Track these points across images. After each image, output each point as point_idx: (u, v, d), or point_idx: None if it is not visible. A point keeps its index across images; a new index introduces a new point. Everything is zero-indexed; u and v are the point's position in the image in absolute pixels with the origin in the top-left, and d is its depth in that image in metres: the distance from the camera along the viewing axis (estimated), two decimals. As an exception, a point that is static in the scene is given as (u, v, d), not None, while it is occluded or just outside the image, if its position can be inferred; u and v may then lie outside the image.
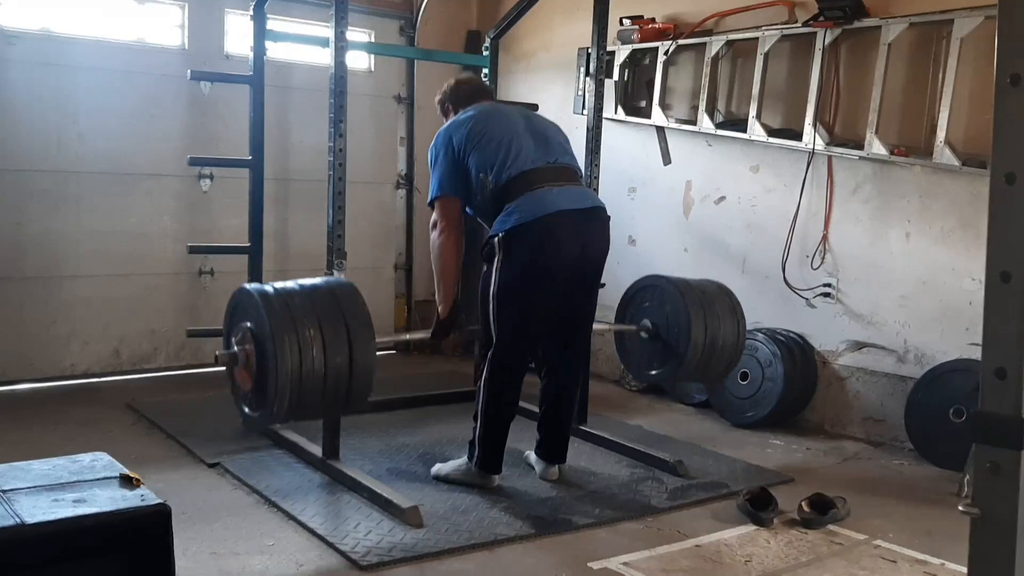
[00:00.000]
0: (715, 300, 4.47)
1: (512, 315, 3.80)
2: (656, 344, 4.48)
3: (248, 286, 3.52)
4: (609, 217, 3.96)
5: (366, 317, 3.45)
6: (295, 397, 3.28)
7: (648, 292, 4.56)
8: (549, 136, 3.96)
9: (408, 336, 4.10)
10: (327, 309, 3.39)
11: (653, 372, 4.57)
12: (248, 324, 3.39)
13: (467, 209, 3.95)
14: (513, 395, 3.93)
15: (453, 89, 4.20)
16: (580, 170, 4.05)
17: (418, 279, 7.01)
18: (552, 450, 4.14)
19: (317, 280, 3.60)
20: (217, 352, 3.48)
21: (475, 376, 4.66)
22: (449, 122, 4.02)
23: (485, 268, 3.85)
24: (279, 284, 3.47)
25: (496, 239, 3.74)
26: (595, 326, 4.29)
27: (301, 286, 3.47)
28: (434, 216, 3.91)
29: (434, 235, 3.90)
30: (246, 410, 3.52)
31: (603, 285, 4.18)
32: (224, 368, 3.54)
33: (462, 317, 3.99)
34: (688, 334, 4.30)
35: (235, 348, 3.45)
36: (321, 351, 3.29)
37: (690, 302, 4.35)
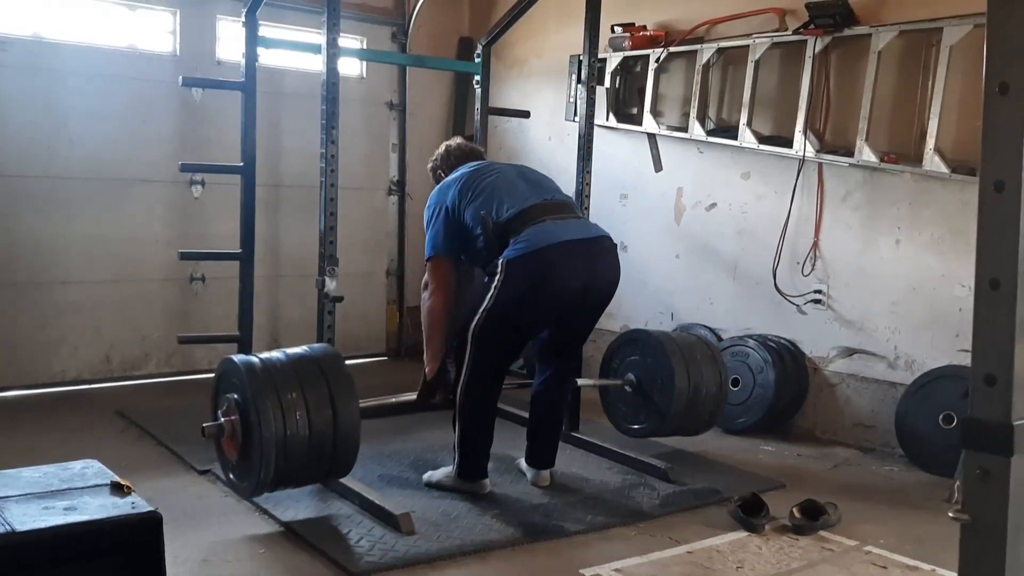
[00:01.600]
0: (696, 350, 4.57)
1: (495, 335, 3.79)
2: (639, 397, 4.58)
3: (233, 357, 3.61)
4: (615, 244, 3.93)
5: (349, 382, 3.52)
6: (280, 463, 3.34)
7: (631, 346, 4.65)
8: (541, 180, 4.01)
9: (393, 399, 4.13)
10: (309, 375, 3.46)
11: (637, 426, 4.65)
12: (233, 395, 3.46)
13: (463, 257, 3.98)
14: (490, 410, 3.94)
15: (444, 155, 4.27)
16: (578, 207, 4.07)
17: (410, 285, 7.01)
18: (541, 457, 4.15)
19: (301, 349, 3.65)
20: (204, 424, 3.51)
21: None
22: (442, 182, 4.05)
23: (486, 280, 3.84)
24: (264, 354, 3.56)
25: (502, 261, 3.71)
26: (579, 382, 4.44)
27: (286, 355, 3.55)
28: (426, 277, 3.94)
29: (425, 295, 3.93)
30: (233, 479, 3.60)
31: None
32: (212, 441, 3.59)
33: (450, 377, 3.96)
34: (671, 384, 4.39)
35: (221, 419, 3.50)
36: (305, 416, 3.37)
37: (672, 353, 4.45)
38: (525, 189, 3.85)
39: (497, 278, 3.71)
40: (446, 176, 4.10)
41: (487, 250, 3.79)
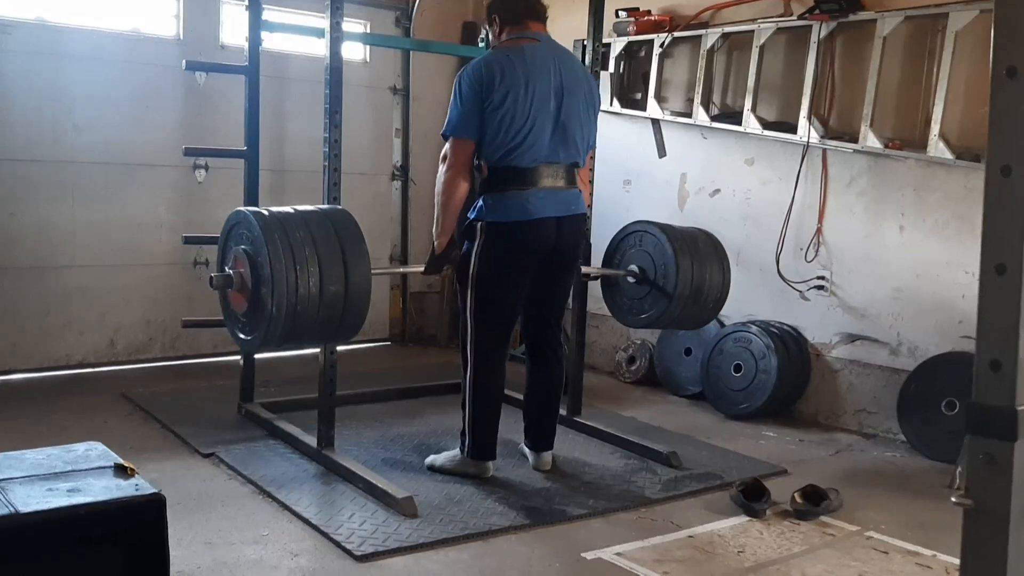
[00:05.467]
0: (697, 239, 4.53)
1: (489, 302, 3.85)
2: (643, 287, 4.50)
3: (243, 209, 3.56)
4: (586, 218, 4.11)
5: (360, 240, 3.48)
6: (291, 317, 3.27)
7: (634, 237, 4.59)
8: (570, 129, 3.83)
9: (402, 269, 4.10)
10: (322, 231, 3.40)
11: (642, 316, 4.57)
12: (243, 246, 3.41)
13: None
14: (497, 381, 3.96)
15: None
16: (581, 163, 3.99)
17: (414, 271, 7.00)
18: (537, 436, 4.17)
19: (312, 206, 3.61)
20: (212, 275, 3.46)
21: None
22: (490, 55, 3.81)
23: (465, 245, 3.88)
24: (275, 208, 3.49)
25: (479, 224, 3.78)
26: (584, 269, 4.41)
27: (296, 210, 3.50)
28: (446, 150, 3.81)
29: (442, 169, 3.81)
30: (240, 335, 3.53)
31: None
32: (217, 291, 3.56)
33: (457, 252, 3.96)
34: (676, 273, 4.33)
35: (229, 270, 3.46)
36: (317, 271, 3.31)
37: (675, 242, 4.40)
38: (545, 143, 3.77)
39: (476, 242, 3.79)
40: (500, 26, 3.89)
41: (478, 169, 3.81)
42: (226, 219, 3.61)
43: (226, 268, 3.51)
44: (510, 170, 3.74)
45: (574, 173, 3.93)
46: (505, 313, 3.95)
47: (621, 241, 4.64)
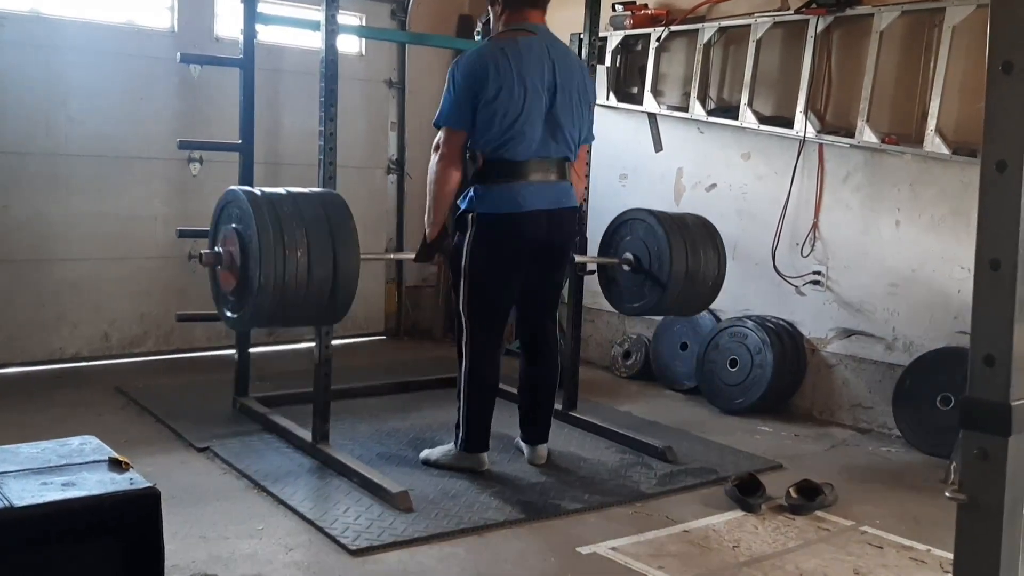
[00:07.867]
0: (694, 228, 4.51)
1: (481, 294, 3.87)
2: (639, 276, 4.50)
3: (235, 187, 3.58)
4: (577, 211, 4.10)
5: (351, 225, 3.49)
6: (278, 292, 3.30)
7: (629, 226, 4.58)
8: (563, 124, 3.83)
9: (392, 256, 4.10)
10: (314, 215, 3.43)
11: (637, 304, 4.57)
12: (234, 225, 3.43)
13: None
14: (492, 373, 3.96)
15: None
16: (572, 157, 3.98)
17: (409, 264, 6.99)
18: (530, 429, 4.18)
19: (305, 189, 3.63)
20: (202, 251, 3.49)
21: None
22: (484, 47, 3.83)
23: (457, 236, 3.89)
24: (267, 188, 3.53)
25: (470, 216, 3.80)
26: (579, 259, 4.47)
27: (289, 192, 3.53)
28: (438, 140, 3.82)
29: (434, 158, 3.82)
30: (227, 313, 3.56)
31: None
32: (207, 268, 3.58)
33: (448, 241, 3.96)
34: (669, 258, 4.33)
35: (219, 248, 3.49)
36: (306, 254, 3.33)
37: (670, 231, 4.39)
38: (536, 139, 3.78)
39: (468, 234, 3.81)
40: (502, 12, 3.87)
41: (476, 144, 3.78)
42: (220, 197, 3.62)
43: (216, 247, 3.54)
44: (502, 163, 3.75)
45: (565, 167, 3.93)
46: (497, 305, 3.97)
47: (615, 230, 4.63)
